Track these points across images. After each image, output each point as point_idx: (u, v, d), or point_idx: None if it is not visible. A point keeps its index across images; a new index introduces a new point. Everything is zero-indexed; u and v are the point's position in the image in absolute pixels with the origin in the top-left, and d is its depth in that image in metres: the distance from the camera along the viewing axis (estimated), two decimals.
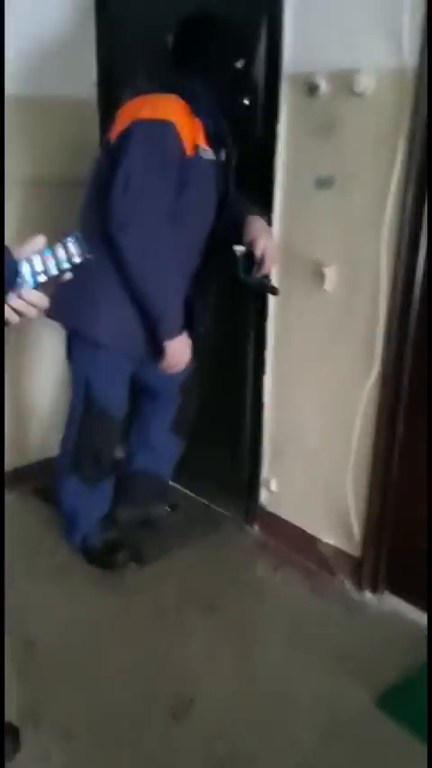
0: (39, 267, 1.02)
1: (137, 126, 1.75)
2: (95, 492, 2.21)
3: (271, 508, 2.44)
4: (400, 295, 1.87)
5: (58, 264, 1.02)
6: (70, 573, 2.24)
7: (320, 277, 2.02)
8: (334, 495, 2.18)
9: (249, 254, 1.94)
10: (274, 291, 2.09)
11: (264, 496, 2.46)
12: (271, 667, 1.89)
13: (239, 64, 1.89)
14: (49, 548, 2.35)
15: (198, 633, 1.99)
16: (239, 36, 1.91)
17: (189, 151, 1.79)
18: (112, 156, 1.81)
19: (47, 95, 2.41)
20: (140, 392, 2.24)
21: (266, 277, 2.05)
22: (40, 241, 1.03)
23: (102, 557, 2.25)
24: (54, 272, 1.02)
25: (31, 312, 1.02)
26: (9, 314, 1.01)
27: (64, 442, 2.18)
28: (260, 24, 1.97)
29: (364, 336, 1.97)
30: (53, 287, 1.04)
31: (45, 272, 1.01)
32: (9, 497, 2.60)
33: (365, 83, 1.76)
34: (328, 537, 2.25)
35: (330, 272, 2.00)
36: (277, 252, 2.05)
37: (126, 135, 1.77)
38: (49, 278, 1.02)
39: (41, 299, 1.02)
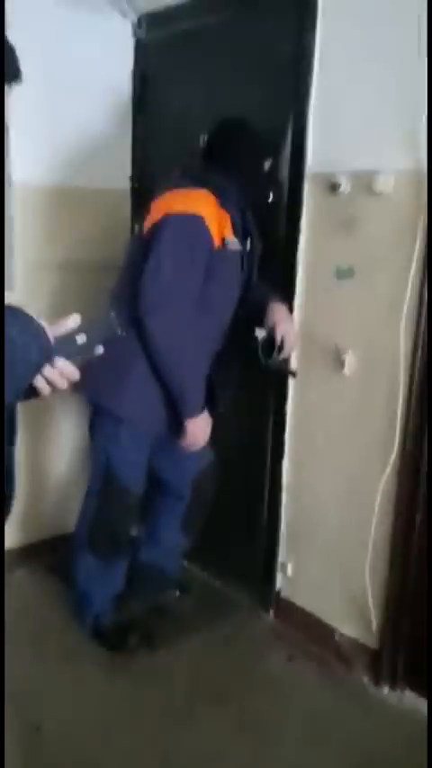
0: (73, 342, 1.07)
1: (169, 219, 1.86)
2: (110, 571, 2.20)
3: (287, 594, 2.40)
4: (419, 383, 1.90)
5: (90, 340, 1.07)
6: (80, 654, 2.19)
7: (340, 363, 2.07)
8: (352, 583, 2.14)
9: (270, 339, 2.01)
10: (293, 374, 2.14)
11: (280, 582, 2.41)
12: (283, 766, 1.80)
13: (266, 164, 2.02)
14: (59, 626, 2.31)
15: (208, 726, 1.92)
16: (267, 139, 2.05)
17: (217, 243, 1.89)
18: (144, 246, 1.92)
19: (84, 186, 2.57)
20: (152, 486, 2.26)
21: (286, 361, 2.10)
22: (74, 319, 1.08)
23: (113, 639, 2.21)
24: (87, 346, 1.07)
25: (62, 384, 1.06)
26: (41, 384, 1.05)
27: (81, 517, 2.18)
28: (286, 128, 2.11)
29: (383, 422, 1.99)
30: (84, 362, 1.08)
31: (79, 346, 1.06)
32: (22, 573, 2.59)
33: (384, 183, 1.87)
34: (345, 627, 2.19)
35: (350, 358, 2.05)
36: (297, 337, 2.11)
37: (159, 227, 1.88)
38: (82, 352, 1.07)
39: (73, 372, 1.06)
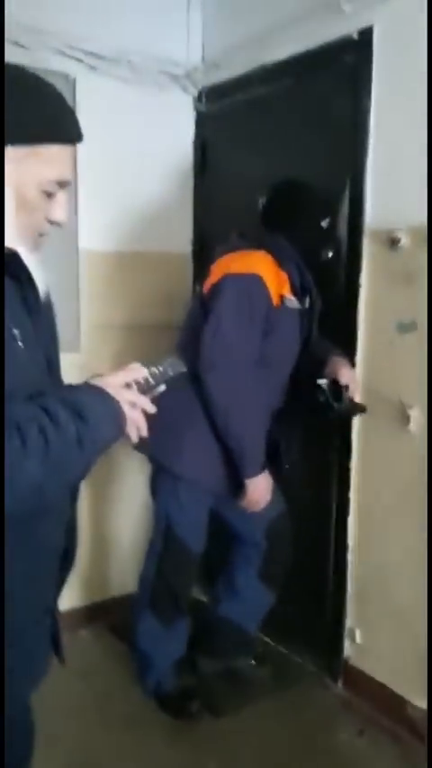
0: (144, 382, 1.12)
1: (228, 279, 1.90)
2: (171, 633, 2.15)
3: (355, 662, 2.29)
4: None
5: (156, 379, 1.12)
6: (141, 719, 2.13)
7: (405, 418, 2.02)
8: (424, 651, 2.02)
9: (334, 383, 1.98)
10: (363, 410, 2.09)
11: (348, 648, 2.31)
12: None
13: (324, 223, 2.04)
14: (121, 689, 2.27)
15: None
16: (325, 199, 2.08)
17: (275, 301, 1.91)
18: (204, 306, 1.96)
19: (147, 251, 2.66)
20: (227, 537, 2.22)
21: (353, 402, 2.07)
22: (135, 366, 1.12)
23: (175, 704, 2.15)
24: (154, 386, 1.11)
25: (143, 422, 1.08)
26: (130, 430, 1.08)
27: (142, 578, 2.17)
28: (344, 186, 2.15)
29: None
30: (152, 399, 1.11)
31: (147, 385, 1.11)
32: (84, 633, 2.58)
33: None
34: (418, 699, 2.06)
35: (415, 414, 2.00)
36: (358, 385, 2.09)
37: (218, 287, 1.92)
38: (150, 390, 1.11)
39: (151, 407, 1.09)
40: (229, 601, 2.26)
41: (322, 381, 1.97)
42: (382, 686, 2.17)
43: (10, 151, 0.99)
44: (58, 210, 1.08)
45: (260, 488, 1.96)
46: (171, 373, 1.14)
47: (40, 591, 1.16)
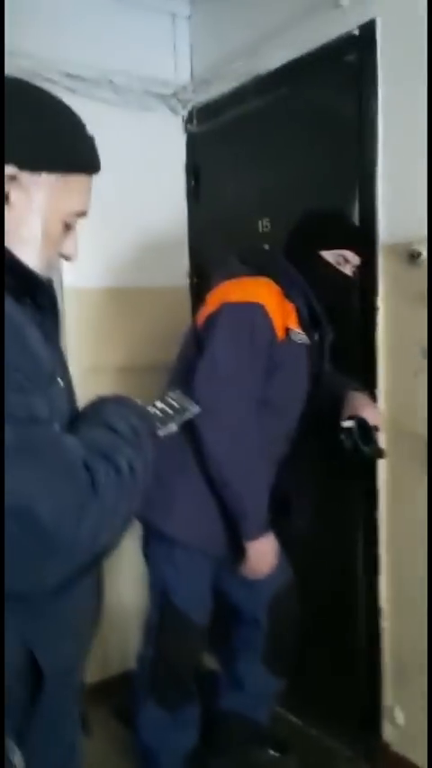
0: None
1: (226, 308, 1.64)
2: (179, 722, 1.83)
3: (397, 747, 1.96)
4: None
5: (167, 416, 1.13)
6: None
7: None
8: None
9: (362, 425, 1.69)
10: (381, 455, 1.81)
11: (387, 731, 1.98)
12: None
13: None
14: None
15: None
16: (354, 226, 1.84)
17: (280, 335, 1.64)
18: (199, 339, 1.70)
19: (141, 286, 2.44)
20: (225, 615, 1.92)
21: (377, 444, 1.79)
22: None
23: None
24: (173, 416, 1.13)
25: None
26: None
27: (140, 658, 1.85)
28: (353, 200, 1.92)
29: None
30: None
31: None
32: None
33: None
34: None
35: None
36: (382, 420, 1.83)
37: (215, 317, 1.65)
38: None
39: None
40: (231, 692, 1.94)
41: (348, 423, 1.68)
42: None
43: (44, 177, 0.94)
44: (72, 244, 1.03)
45: (263, 552, 1.65)
46: (186, 414, 1.14)
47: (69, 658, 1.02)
